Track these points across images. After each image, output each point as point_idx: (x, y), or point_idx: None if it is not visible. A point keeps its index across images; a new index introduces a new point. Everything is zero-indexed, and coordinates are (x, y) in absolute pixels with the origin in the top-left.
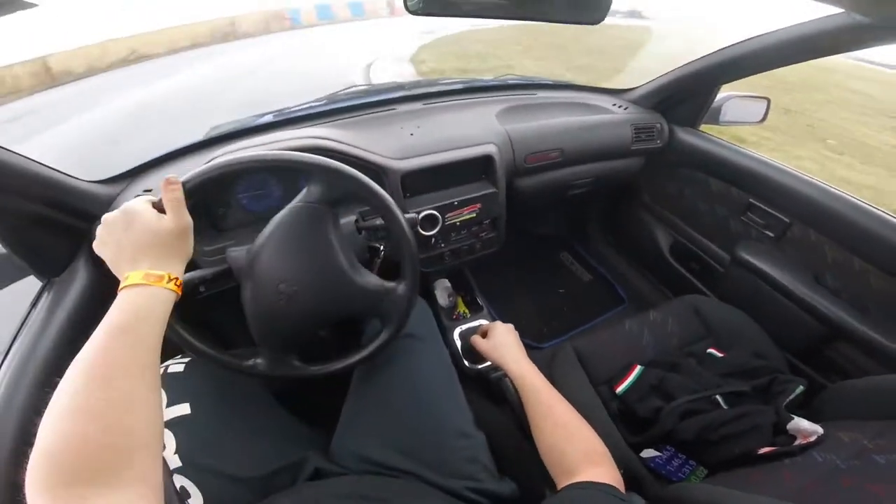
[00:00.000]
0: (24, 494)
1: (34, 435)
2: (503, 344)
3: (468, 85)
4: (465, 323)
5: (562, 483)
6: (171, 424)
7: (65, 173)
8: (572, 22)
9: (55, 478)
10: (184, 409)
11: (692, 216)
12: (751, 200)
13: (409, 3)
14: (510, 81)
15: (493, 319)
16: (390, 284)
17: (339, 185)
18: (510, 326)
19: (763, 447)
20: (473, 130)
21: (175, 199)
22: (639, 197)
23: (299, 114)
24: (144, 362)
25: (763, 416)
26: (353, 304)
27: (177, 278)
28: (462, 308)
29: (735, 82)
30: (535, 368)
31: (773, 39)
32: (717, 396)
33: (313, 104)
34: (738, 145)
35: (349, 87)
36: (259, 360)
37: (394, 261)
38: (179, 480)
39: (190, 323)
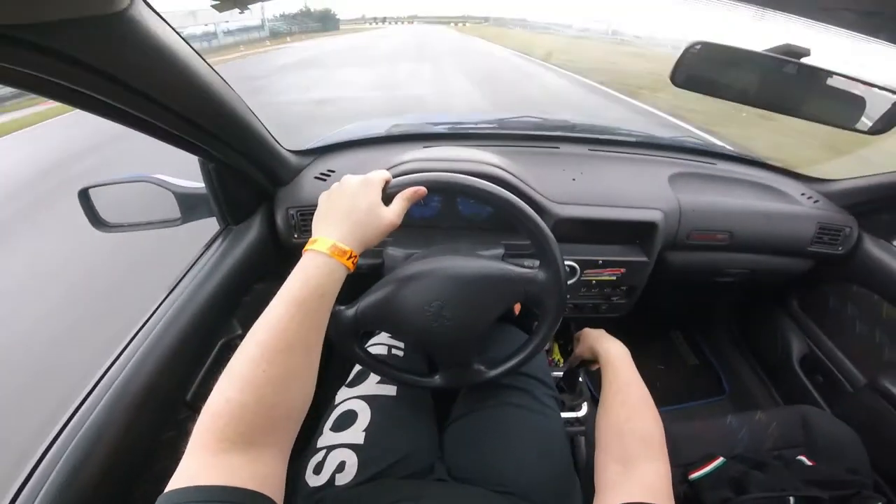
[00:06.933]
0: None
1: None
2: (593, 336)
3: (642, 139)
4: (554, 371)
5: (610, 485)
6: (370, 399)
7: (274, 137)
8: (836, 125)
9: (210, 434)
10: (390, 390)
11: (841, 334)
12: None
13: (674, 78)
14: (689, 144)
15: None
16: (531, 270)
17: (519, 225)
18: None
19: None
20: (641, 191)
21: (407, 202)
22: (785, 300)
23: (471, 131)
24: (310, 341)
25: None
26: (496, 289)
27: (356, 256)
28: (557, 355)
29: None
30: (627, 352)
31: None
32: (791, 498)
33: (484, 125)
34: None
35: (522, 117)
36: (443, 378)
37: (534, 312)
38: (344, 454)
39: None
